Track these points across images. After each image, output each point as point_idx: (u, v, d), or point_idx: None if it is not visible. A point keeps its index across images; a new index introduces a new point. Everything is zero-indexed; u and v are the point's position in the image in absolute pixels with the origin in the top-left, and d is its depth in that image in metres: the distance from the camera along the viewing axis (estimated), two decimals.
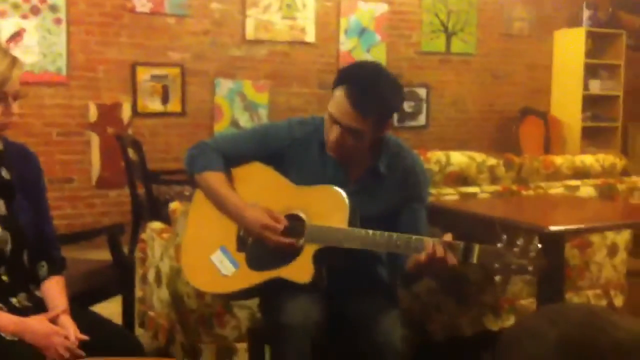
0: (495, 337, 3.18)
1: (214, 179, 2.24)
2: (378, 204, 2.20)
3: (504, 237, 1.93)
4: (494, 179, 3.21)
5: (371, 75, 2.13)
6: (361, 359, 2.11)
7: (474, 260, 1.93)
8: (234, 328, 2.79)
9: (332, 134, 2.13)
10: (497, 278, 2.05)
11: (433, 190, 3.01)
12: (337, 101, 2.10)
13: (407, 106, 6.66)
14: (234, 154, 2.29)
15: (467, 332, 3.17)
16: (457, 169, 3.11)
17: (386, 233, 2.03)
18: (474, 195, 3.09)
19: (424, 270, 2.04)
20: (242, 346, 2.74)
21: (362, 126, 2.09)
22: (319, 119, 2.28)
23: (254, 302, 2.76)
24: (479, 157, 3.20)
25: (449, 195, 3.04)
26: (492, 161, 3.20)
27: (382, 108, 2.11)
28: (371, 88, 2.08)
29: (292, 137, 2.26)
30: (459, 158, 3.14)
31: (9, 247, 1.89)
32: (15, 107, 1.86)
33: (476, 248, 1.93)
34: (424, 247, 1.97)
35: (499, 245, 1.92)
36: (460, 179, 3.12)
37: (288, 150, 2.26)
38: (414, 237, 2.01)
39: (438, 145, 6.41)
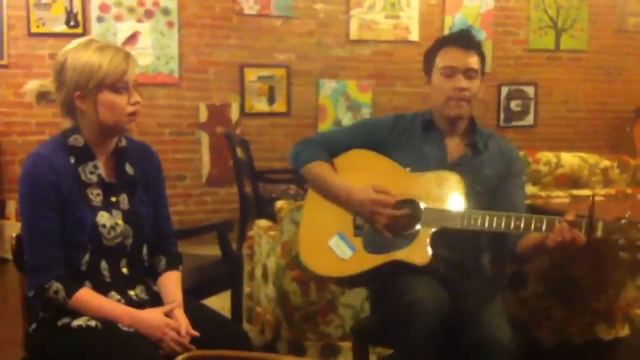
0: (608, 346, 3.06)
1: (319, 168, 2.32)
2: (479, 181, 2.22)
3: (628, 214, 1.91)
4: (607, 182, 3.09)
5: (463, 30, 2.40)
6: (463, 351, 2.05)
7: (599, 234, 1.92)
8: (338, 327, 2.82)
9: (456, 83, 2.24)
10: (622, 254, 2.01)
11: (542, 193, 2.94)
12: (446, 55, 2.28)
13: (515, 105, 6.51)
14: (337, 146, 2.37)
15: (577, 340, 3.07)
16: (568, 170, 3.02)
17: (504, 213, 2.04)
18: (586, 198, 2.99)
19: (548, 250, 2.01)
20: (346, 345, 2.76)
21: (475, 64, 2.26)
22: (418, 112, 2.40)
23: (358, 301, 2.79)
24: (592, 158, 3.09)
25: (560, 197, 2.95)
26: (605, 163, 3.09)
27: (479, 47, 2.30)
28: (468, 33, 2.33)
29: (392, 126, 2.36)
30: (569, 159, 3.05)
31: (130, 240, 1.98)
32: (137, 95, 1.95)
33: (600, 223, 1.92)
34: (545, 226, 1.96)
35: (622, 221, 1.91)
36: (571, 181, 3.03)
37: (388, 138, 2.34)
38: (534, 216, 2.01)
39: (547, 146, 6.24)
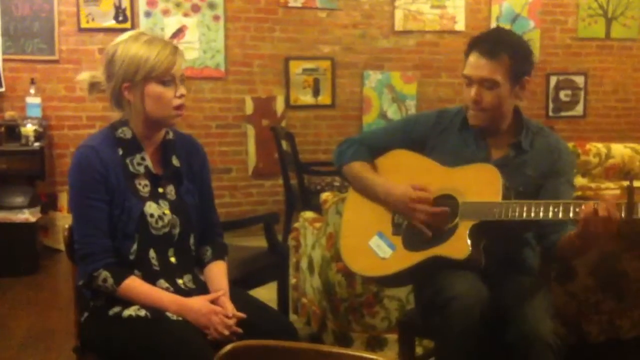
0: None
1: (359, 167, 2.34)
2: (521, 180, 2.17)
3: None
4: None
5: (496, 31, 2.34)
6: (506, 347, 2.03)
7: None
8: (383, 319, 2.82)
9: (469, 94, 2.17)
10: None
11: (592, 184, 2.88)
12: (469, 61, 2.18)
13: (564, 95, 6.39)
14: (378, 145, 2.37)
15: (626, 334, 3.01)
16: (619, 161, 2.95)
17: (542, 201, 1.99)
18: (638, 190, 2.92)
19: (586, 237, 1.94)
20: (392, 337, 2.76)
21: (494, 74, 2.12)
22: (461, 106, 2.34)
23: (404, 293, 2.79)
24: None
25: (610, 189, 2.89)
26: None
27: (510, 50, 2.14)
28: (496, 36, 2.20)
29: (433, 123, 2.33)
30: (620, 150, 2.99)
31: (177, 230, 2.02)
32: (183, 89, 1.99)
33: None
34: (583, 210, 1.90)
35: None
36: (622, 172, 2.97)
37: (429, 135, 2.31)
38: (573, 201, 1.95)
39: (597, 137, 6.12)
